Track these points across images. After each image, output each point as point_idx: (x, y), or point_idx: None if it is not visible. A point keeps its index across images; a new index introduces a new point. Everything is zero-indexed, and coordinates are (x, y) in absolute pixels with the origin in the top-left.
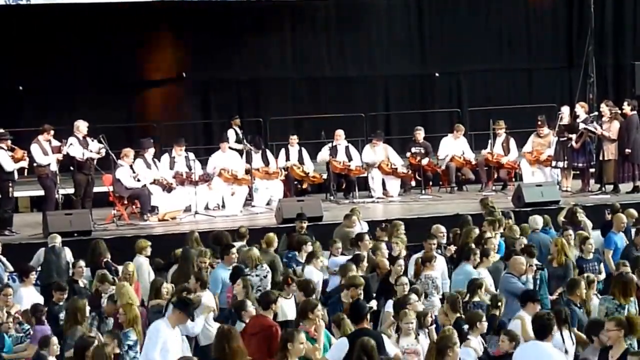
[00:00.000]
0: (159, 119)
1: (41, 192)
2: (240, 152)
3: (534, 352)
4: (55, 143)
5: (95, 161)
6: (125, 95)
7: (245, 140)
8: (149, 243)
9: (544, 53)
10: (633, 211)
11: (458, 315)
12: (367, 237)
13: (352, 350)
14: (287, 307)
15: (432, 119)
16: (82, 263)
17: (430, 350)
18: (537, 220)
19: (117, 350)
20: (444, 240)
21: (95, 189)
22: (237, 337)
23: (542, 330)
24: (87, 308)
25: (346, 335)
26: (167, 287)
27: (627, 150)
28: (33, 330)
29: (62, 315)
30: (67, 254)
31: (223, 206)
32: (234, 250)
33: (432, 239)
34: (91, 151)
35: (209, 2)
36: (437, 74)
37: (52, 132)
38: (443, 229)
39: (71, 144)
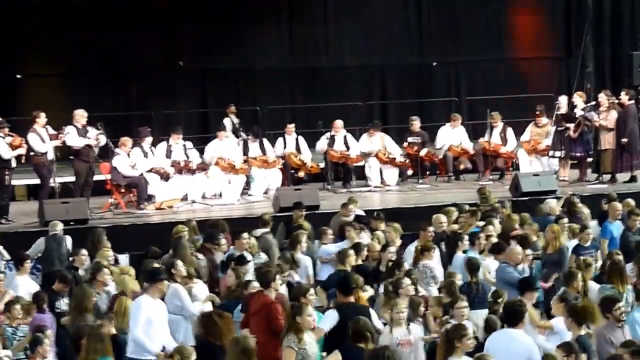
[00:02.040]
0: (156, 107)
1: (38, 181)
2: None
3: (505, 339)
4: (52, 131)
5: (96, 150)
6: (122, 83)
7: (240, 129)
8: (186, 228)
9: (542, 43)
10: (630, 201)
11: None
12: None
13: (343, 324)
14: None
15: (430, 109)
16: (84, 251)
17: (441, 339)
18: (552, 204)
19: (113, 331)
20: (443, 229)
21: (93, 178)
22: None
23: (512, 318)
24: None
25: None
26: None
27: (624, 140)
28: (33, 319)
29: (57, 304)
30: (68, 242)
31: (220, 195)
32: (245, 235)
33: (430, 228)
34: (89, 138)
35: None
36: (434, 64)
37: (42, 115)
38: (443, 218)
39: (68, 133)
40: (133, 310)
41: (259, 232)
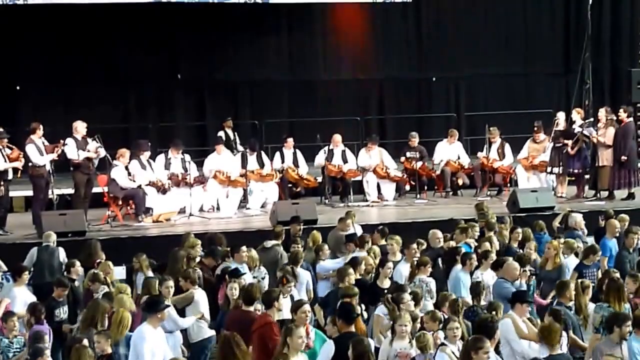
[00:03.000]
0: (154, 119)
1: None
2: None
3: None
4: (48, 143)
5: (96, 162)
6: (120, 95)
7: (235, 143)
8: (199, 241)
9: (540, 58)
10: (625, 216)
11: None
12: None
13: (341, 353)
14: (283, 306)
15: (428, 124)
16: (79, 263)
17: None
18: (577, 219)
19: (109, 350)
20: (440, 245)
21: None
22: (240, 342)
23: (485, 334)
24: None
25: (332, 337)
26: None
27: (623, 158)
28: (31, 330)
29: (57, 312)
30: (61, 254)
31: (217, 208)
32: (243, 248)
33: (413, 245)
34: (89, 151)
35: (205, 3)
36: (434, 78)
37: (41, 127)
38: (439, 234)
39: (66, 144)
40: (136, 342)
41: (269, 243)
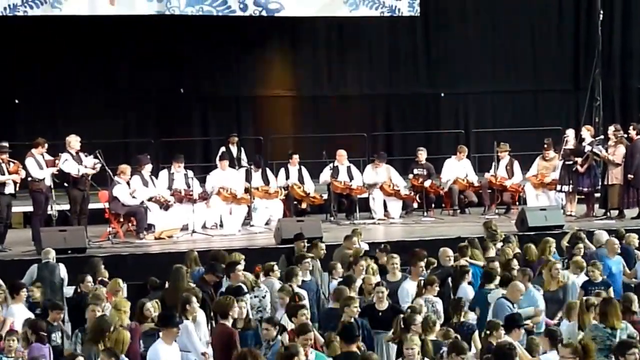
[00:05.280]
0: (156, 134)
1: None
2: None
3: None
4: (49, 157)
5: (90, 177)
6: (122, 110)
7: (240, 160)
8: (243, 256)
9: (550, 75)
10: (635, 236)
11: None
12: (362, 260)
13: None
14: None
15: (437, 140)
16: (89, 278)
17: None
18: (603, 236)
19: None
20: (450, 263)
21: (91, 206)
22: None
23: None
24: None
25: (333, 357)
26: (149, 309)
27: (630, 176)
28: (30, 348)
29: (53, 336)
30: (62, 270)
31: (221, 225)
32: (239, 267)
33: (421, 263)
34: (86, 167)
35: (208, 17)
36: (442, 94)
37: (45, 145)
38: (450, 252)
39: (66, 160)
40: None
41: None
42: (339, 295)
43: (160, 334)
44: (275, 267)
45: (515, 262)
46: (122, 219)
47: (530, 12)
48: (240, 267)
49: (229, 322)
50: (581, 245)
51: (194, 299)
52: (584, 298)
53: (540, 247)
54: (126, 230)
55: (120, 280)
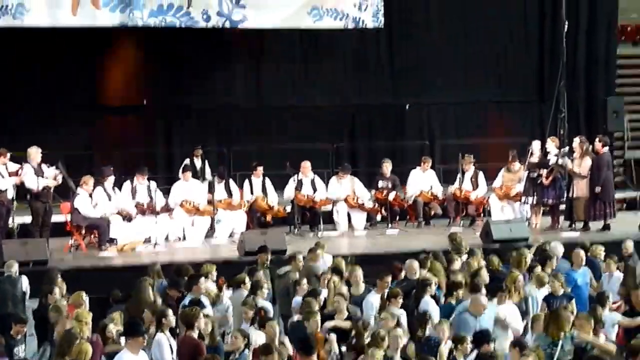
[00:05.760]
0: (120, 146)
1: None
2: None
3: None
4: (12, 168)
5: (52, 189)
6: (85, 121)
7: (203, 172)
8: (214, 266)
9: (515, 86)
10: (601, 248)
11: None
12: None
13: None
14: (260, 340)
15: (401, 151)
16: (57, 290)
17: None
18: (558, 249)
19: None
20: (417, 276)
21: (53, 218)
22: None
23: None
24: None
25: None
26: (111, 331)
27: (598, 189)
28: None
29: (16, 350)
30: (24, 283)
31: (184, 238)
32: (202, 280)
33: (387, 277)
34: (46, 178)
35: (172, 29)
36: (407, 106)
37: (8, 155)
38: (416, 264)
39: (27, 173)
40: None
41: (283, 270)
42: (305, 308)
43: (126, 343)
44: (247, 280)
45: (484, 272)
46: (84, 232)
47: (494, 23)
48: (202, 280)
49: (194, 333)
50: (554, 260)
51: (170, 312)
52: (548, 311)
53: (515, 259)
54: (88, 242)
55: (83, 293)
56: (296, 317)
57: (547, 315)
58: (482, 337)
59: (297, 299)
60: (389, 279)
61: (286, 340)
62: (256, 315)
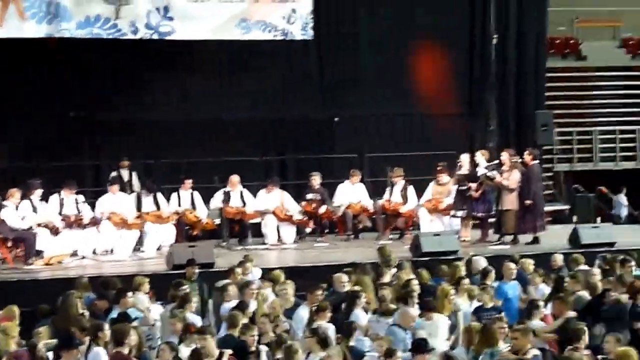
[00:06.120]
0: (45, 159)
1: None
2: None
3: None
4: None
5: None
6: (8, 133)
7: (131, 184)
8: (147, 279)
9: (444, 99)
10: (530, 261)
11: None
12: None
13: None
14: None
15: (330, 164)
16: None
17: None
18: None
19: None
20: (345, 289)
21: None
22: None
23: None
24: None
25: None
26: (41, 349)
27: (527, 202)
28: None
29: None
30: None
31: (112, 251)
32: (129, 294)
33: (318, 292)
34: None
35: (99, 39)
36: (336, 118)
37: None
38: (344, 278)
39: None
40: None
41: (221, 283)
42: (233, 321)
43: (62, 357)
44: (176, 293)
45: (414, 285)
46: (10, 245)
47: (425, 36)
48: (130, 293)
49: (125, 350)
50: (492, 273)
51: (106, 326)
52: (473, 324)
53: (449, 272)
54: (15, 256)
55: (15, 307)
56: (225, 330)
57: (476, 329)
58: (418, 347)
59: (226, 306)
60: (319, 292)
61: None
62: (185, 329)
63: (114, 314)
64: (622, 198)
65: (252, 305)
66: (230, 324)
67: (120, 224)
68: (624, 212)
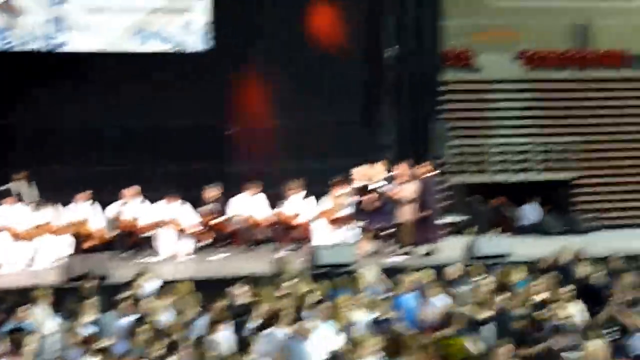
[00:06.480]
0: None
1: None
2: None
3: None
4: None
5: None
6: None
7: (25, 196)
8: (44, 292)
9: (340, 110)
10: (426, 272)
11: None
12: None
13: None
14: None
15: (228, 176)
16: None
17: None
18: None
19: None
20: (241, 301)
21: None
22: None
23: None
24: None
25: None
26: None
27: (423, 213)
28: None
29: None
30: None
31: (5, 263)
32: (23, 308)
33: (219, 302)
34: None
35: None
36: (231, 129)
37: None
38: (241, 290)
39: None
40: None
41: (125, 294)
42: (131, 335)
43: None
44: (71, 306)
45: (311, 297)
46: None
47: (322, 45)
48: (24, 307)
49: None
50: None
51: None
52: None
53: (346, 283)
54: None
55: None
56: (126, 344)
57: (375, 341)
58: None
59: (121, 324)
60: (220, 304)
61: None
62: (84, 341)
63: (9, 327)
64: (529, 209)
65: (149, 318)
66: (128, 337)
67: (14, 236)
68: (529, 222)
